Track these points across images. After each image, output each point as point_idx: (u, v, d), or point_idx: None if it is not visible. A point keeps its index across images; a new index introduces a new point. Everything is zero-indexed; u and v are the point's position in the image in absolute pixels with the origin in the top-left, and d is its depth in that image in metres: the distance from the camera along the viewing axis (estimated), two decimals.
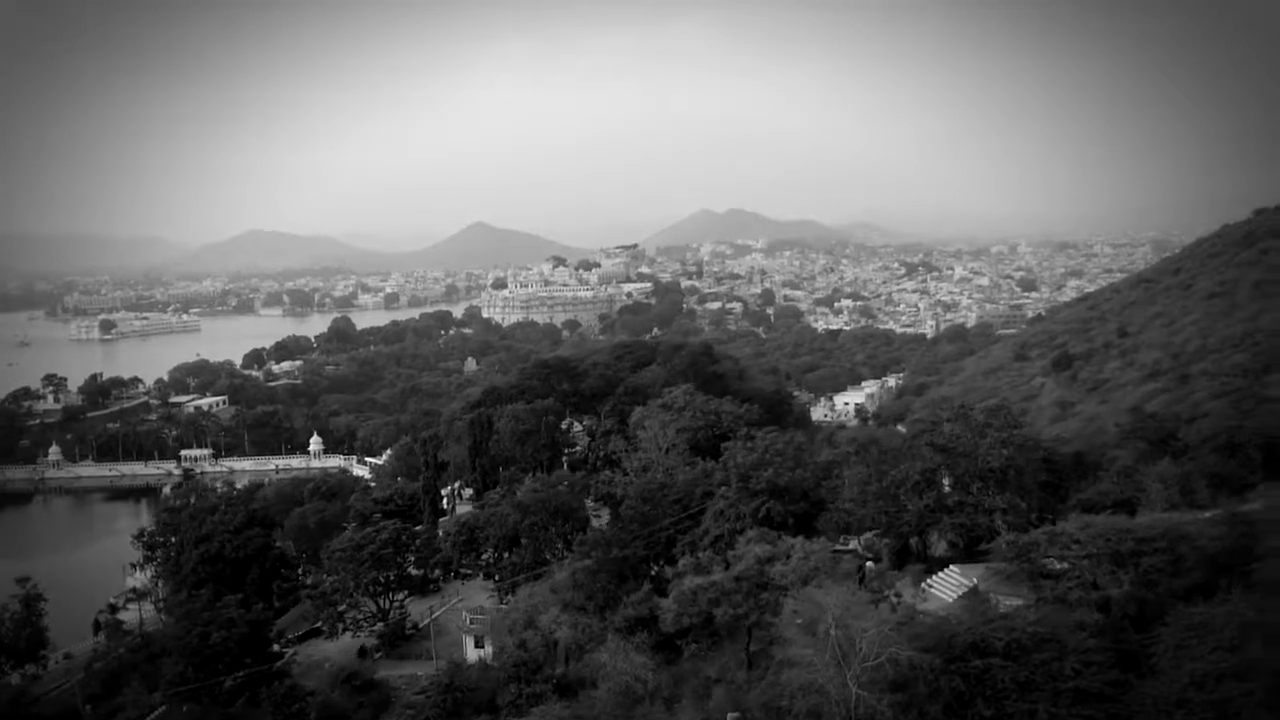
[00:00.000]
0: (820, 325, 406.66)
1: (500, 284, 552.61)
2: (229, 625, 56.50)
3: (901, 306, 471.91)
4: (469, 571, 76.04)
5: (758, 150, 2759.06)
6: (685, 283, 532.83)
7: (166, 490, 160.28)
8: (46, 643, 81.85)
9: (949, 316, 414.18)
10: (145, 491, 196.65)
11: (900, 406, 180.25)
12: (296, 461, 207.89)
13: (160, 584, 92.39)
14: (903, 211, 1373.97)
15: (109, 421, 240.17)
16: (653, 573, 57.41)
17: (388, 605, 69.02)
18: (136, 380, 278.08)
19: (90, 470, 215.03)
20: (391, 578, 69.60)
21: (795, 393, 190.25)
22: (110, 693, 63.32)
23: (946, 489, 51.47)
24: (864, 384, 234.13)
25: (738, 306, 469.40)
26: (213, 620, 56.90)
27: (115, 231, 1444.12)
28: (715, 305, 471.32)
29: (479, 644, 58.70)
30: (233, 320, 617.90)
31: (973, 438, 51.31)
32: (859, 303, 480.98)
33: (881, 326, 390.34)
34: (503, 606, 61.33)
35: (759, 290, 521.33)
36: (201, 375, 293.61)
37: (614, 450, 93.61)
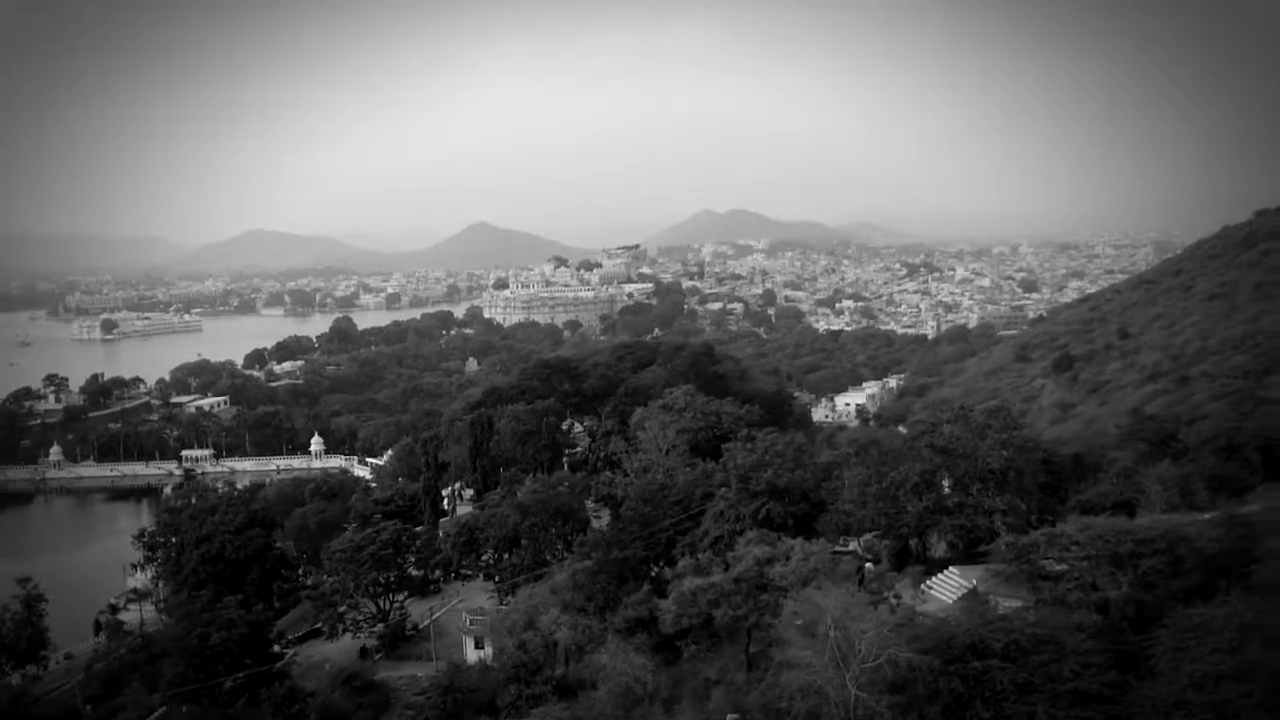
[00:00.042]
0: (821, 326, 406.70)
1: (502, 284, 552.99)
2: (229, 626, 56.51)
3: (903, 307, 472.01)
4: (469, 572, 76.03)
5: (759, 150, 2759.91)
6: (687, 283, 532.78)
7: (167, 491, 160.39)
8: (47, 643, 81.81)
9: (950, 317, 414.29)
10: (146, 492, 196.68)
11: (901, 407, 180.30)
12: (298, 462, 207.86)
13: (161, 584, 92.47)
14: (904, 212, 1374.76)
15: (110, 422, 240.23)
16: (653, 574, 57.45)
17: (388, 606, 69.06)
18: (138, 380, 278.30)
19: (91, 470, 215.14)
20: (392, 579, 69.65)
21: (796, 394, 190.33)
22: (110, 693, 63.32)
23: (946, 490, 51.52)
24: (865, 385, 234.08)
25: (739, 307, 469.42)
26: (213, 621, 56.90)
27: (116, 231, 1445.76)
28: (716, 306, 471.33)
29: (479, 645, 58.74)
30: (234, 320, 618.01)
31: (972, 439, 51.34)
32: (860, 303, 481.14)
33: (883, 327, 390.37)
34: (503, 607, 61.31)
35: (760, 291, 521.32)
36: (203, 375, 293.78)
37: (614, 451, 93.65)
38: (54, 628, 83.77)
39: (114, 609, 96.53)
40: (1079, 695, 29.74)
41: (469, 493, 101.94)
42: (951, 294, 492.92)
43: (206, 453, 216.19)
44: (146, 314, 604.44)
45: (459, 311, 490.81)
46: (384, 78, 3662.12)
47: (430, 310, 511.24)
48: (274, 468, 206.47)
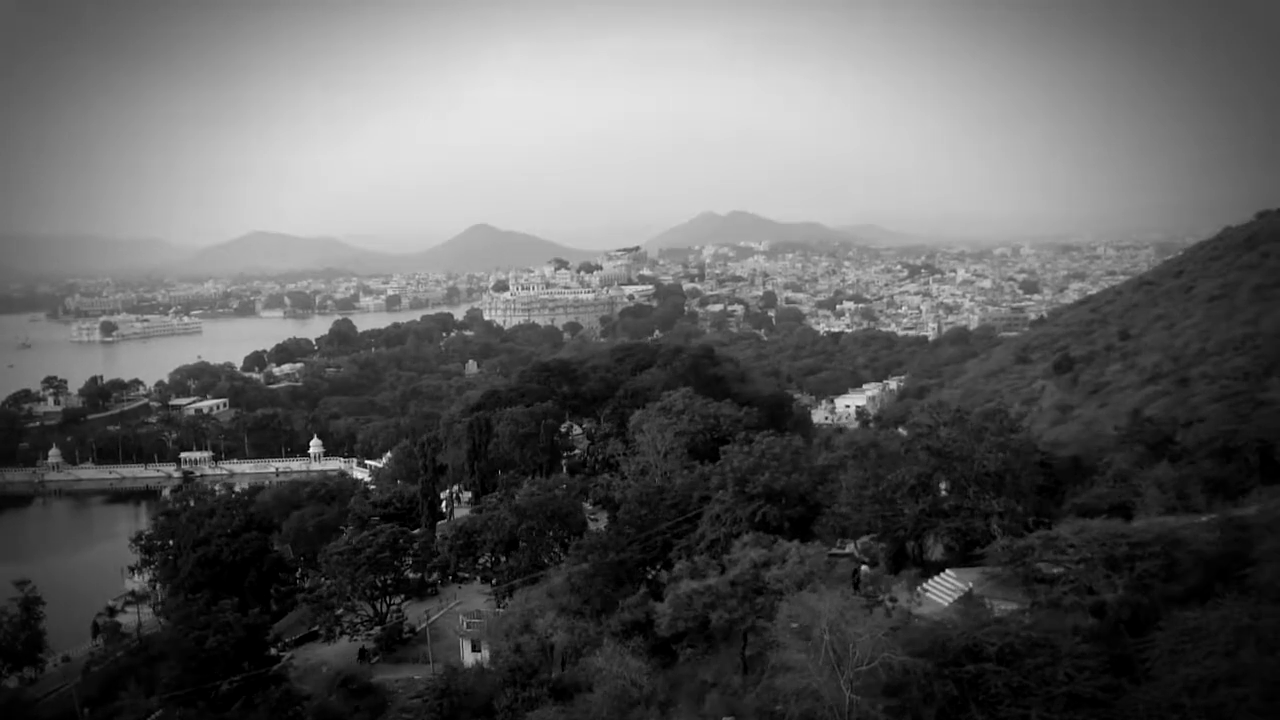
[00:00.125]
0: (822, 327, 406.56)
1: (502, 286, 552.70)
2: (225, 629, 56.46)
3: (903, 309, 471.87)
4: (466, 575, 76.03)
5: (759, 152, 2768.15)
6: (687, 285, 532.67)
7: (166, 493, 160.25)
8: (45, 646, 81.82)
9: (951, 319, 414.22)
10: (145, 494, 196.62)
11: (901, 409, 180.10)
12: (296, 464, 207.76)
13: (158, 587, 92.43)
14: (905, 213, 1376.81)
15: (109, 424, 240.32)
16: (649, 577, 57.37)
17: (385, 609, 69.02)
18: (137, 382, 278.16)
19: (90, 473, 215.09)
20: (389, 581, 69.67)
21: (796, 395, 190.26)
22: (108, 696, 63.37)
23: (943, 493, 51.41)
24: (865, 387, 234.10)
25: (739, 309, 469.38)
26: (209, 624, 56.87)
27: (117, 233, 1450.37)
28: (717, 307, 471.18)
29: (476, 648, 58.66)
30: (234, 322, 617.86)
31: (969, 442, 51.20)
32: (861, 305, 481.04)
33: (883, 329, 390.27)
34: (500, 610, 61.24)
35: (761, 292, 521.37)
36: (202, 377, 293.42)
37: (613, 454, 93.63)
38: (52, 630, 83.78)
39: (112, 611, 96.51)
40: (1074, 699, 29.64)
41: (467, 495, 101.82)
42: (952, 295, 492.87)
43: (205, 455, 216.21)
44: (146, 316, 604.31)
45: (459, 313, 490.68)
46: (384, 78, 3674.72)
47: (430, 312, 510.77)
48: (273, 470, 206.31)
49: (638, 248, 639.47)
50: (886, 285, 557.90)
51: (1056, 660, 30.70)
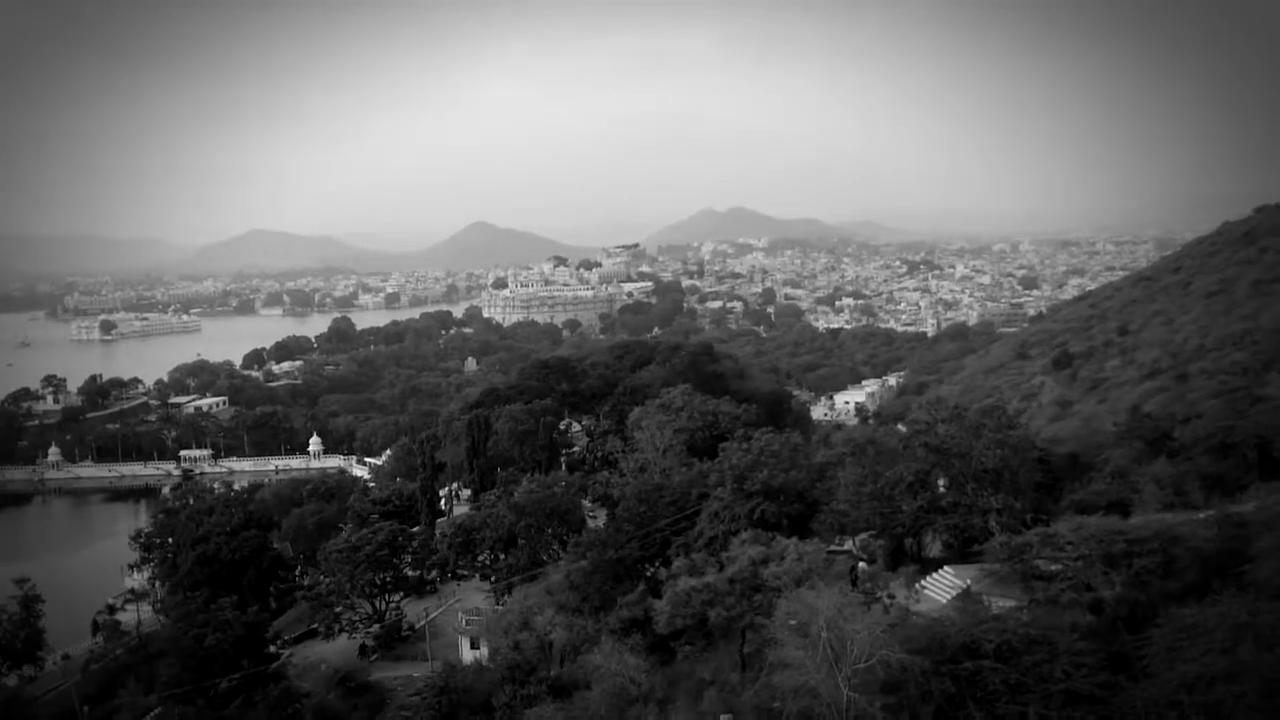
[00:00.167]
0: (821, 324, 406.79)
1: (501, 283, 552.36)
2: (224, 627, 56.54)
3: (903, 305, 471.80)
4: (465, 573, 75.99)
5: (758, 149, 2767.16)
6: (686, 282, 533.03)
7: (166, 491, 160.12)
8: (44, 644, 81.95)
9: (950, 315, 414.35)
10: (145, 492, 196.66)
11: (900, 405, 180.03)
12: (296, 462, 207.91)
13: (158, 585, 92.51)
14: (904, 209, 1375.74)
15: (109, 422, 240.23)
16: (648, 574, 57.35)
17: (384, 606, 69.07)
18: (136, 381, 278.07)
19: (90, 471, 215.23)
20: (388, 579, 69.70)
21: (796, 392, 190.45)
22: (107, 694, 63.42)
23: (941, 490, 51.40)
24: (865, 383, 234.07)
25: (738, 305, 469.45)
26: (208, 622, 56.95)
27: (116, 233, 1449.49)
28: (716, 304, 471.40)
29: (474, 645, 58.74)
30: (233, 320, 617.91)
31: (967, 438, 51.16)
32: (860, 301, 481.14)
33: (882, 325, 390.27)
34: (498, 608, 61.30)
35: (760, 289, 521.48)
36: (201, 376, 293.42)
37: (611, 451, 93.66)
38: (51, 628, 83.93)
39: (111, 609, 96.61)
40: (1071, 696, 29.63)
41: (466, 493, 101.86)
42: (951, 291, 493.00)
43: (205, 453, 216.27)
44: (145, 314, 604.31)
45: (458, 311, 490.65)
46: (384, 78, 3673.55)
47: (429, 310, 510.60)
48: (272, 468, 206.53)
49: (637, 245, 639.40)
50: (885, 281, 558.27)
51: (1054, 657, 30.66)
